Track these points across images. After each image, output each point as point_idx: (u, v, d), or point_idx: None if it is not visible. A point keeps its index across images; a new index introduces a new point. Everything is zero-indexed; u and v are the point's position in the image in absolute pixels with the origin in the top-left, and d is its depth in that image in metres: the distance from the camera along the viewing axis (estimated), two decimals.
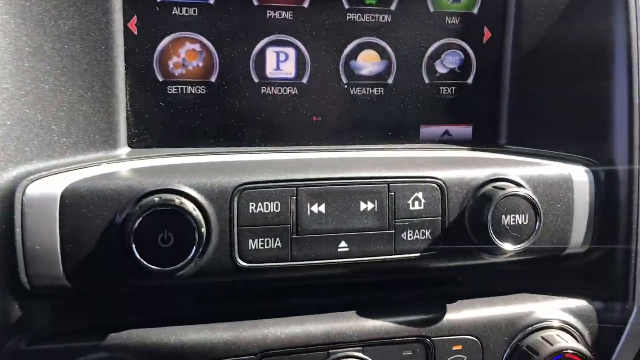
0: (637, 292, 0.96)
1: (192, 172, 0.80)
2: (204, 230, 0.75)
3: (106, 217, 0.75)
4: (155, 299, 0.84)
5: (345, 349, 0.84)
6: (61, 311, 0.81)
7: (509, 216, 0.84)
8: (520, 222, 0.85)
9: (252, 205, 0.79)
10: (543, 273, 0.98)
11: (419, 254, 0.85)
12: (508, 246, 0.84)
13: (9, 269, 0.74)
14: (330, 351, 0.84)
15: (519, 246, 0.84)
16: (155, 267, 0.73)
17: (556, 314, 0.93)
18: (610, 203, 0.94)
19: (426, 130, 1.02)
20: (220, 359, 0.80)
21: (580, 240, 0.93)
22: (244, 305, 0.86)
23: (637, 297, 0.96)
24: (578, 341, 0.92)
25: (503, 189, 0.85)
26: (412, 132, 1.02)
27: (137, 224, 0.73)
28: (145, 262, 0.73)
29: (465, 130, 1.04)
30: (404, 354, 0.86)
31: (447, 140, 1.03)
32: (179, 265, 0.74)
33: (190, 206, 0.75)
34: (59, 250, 0.75)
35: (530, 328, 0.91)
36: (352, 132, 0.99)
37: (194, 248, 0.74)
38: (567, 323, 0.93)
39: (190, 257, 0.74)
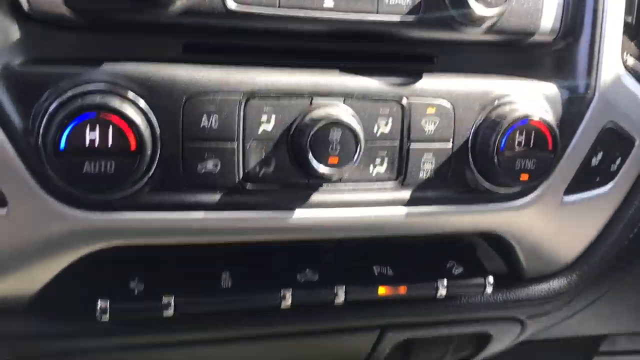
0: (599, 79, 1.04)
1: None
2: None
3: None
4: (148, 40, 0.88)
5: (328, 98, 0.90)
6: (60, 41, 0.84)
7: None
8: None
9: None
10: (514, 60, 1.04)
11: (399, 17, 0.90)
12: (481, 9, 0.89)
13: None
14: (314, 98, 0.89)
15: (492, 10, 0.90)
16: None
17: (526, 92, 0.99)
18: None
19: None
20: (208, 93, 0.84)
21: (548, 27, 0.99)
22: (233, 58, 0.91)
23: (598, 84, 1.04)
24: None
25: None
26: None
27: None
28: None
29: None
30: (381, 111, 0.92)
31: None
32: None
33: None
34: None
35: (500, 100, 0.97)
36: None
37: None
38: (535, 101, 0.99)
39: None
